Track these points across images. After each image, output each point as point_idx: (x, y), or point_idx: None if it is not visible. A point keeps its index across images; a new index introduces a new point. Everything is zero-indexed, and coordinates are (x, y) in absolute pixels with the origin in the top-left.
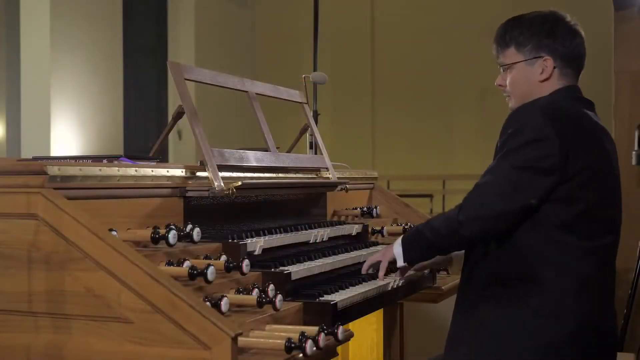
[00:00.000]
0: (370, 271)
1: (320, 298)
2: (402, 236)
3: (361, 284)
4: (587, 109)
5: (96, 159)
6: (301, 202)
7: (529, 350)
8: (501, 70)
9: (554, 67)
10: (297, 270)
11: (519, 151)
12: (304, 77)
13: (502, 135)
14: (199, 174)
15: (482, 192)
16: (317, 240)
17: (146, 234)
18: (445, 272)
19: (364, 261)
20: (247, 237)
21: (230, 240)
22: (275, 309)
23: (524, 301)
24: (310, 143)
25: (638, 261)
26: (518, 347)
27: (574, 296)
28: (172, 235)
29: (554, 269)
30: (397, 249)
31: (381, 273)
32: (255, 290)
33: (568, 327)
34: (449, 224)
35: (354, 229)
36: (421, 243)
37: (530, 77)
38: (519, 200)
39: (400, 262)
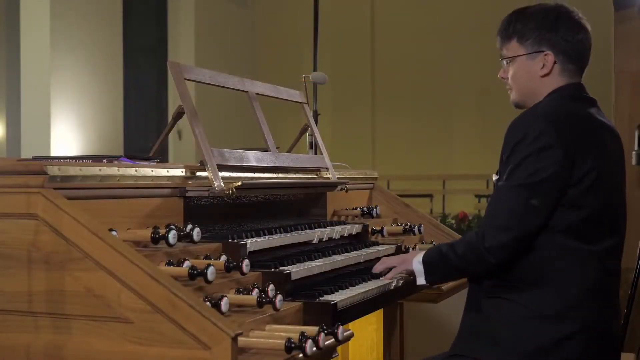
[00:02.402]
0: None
1: (320, 298)
2: (423, 254)
3: (361, 284)
4: (590, 108)
5: (96, 159)
6: (301, 202)
7: (531, 352)
8: (504, 62)
9: (555, 62)
10: (297, 270)
11: (524, 165)
12: (304, 77)
13: (506, 145)
14: (199, 174)
15: (499, 217)
16: (317, 240)
17: (146, 234)
18: None
19: (364, 261)
20: (247, 237)
21: (230, 240)
22: (275, 309)
23: (528, 304)
24: (310, 143)
25: (638, 261)
26: (520, 348)
27: (577, 300)
28: (172, 235)
29: (559, 273)
30: (417, 266)
31: (390, 275)
32: (255, 290)
33: (570, 330)
34: (476, 253)
35: (354, 229)
36: (446, 268)
37: (531, 72)
38: (536, 219)
39: (421, 281)
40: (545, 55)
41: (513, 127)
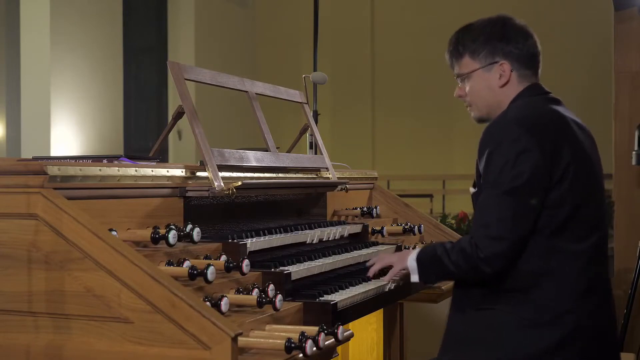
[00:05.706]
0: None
1: (320, 298)
2: (418, 251)
3: (361, 284)
4: (555, 106)
5: (96, 159)
6: (301, 202)
7: (523, 358)
8: (458, 81)
9: (512, 70)
10: (297, 270)
11: (504, 172)
12: (304, 77)
13: (481, 155)
14: (199, 174)
15: (490, 227)
16: (317, 240)
17: (146, 234)
18: None
19: (364, 261)
20: (247, 237)
21: (230, 240)
22: (275, 309)
23: (518, 309)
24: (310, 143)
25: (638, 261)
26: (512, 355)
27: (570, 302)
28: (172, 235)
29: (549, 277)
30: (412, 263)
31: (389, 277)
32: (255, 290)
33: (565, 333)
34: (471, 263)
35: (354, 229)
36: (440, 270)
37: (490, 84)
38: (526, 223)
39: (414, 279)
40: (501, 64)
41: (486, 137)
